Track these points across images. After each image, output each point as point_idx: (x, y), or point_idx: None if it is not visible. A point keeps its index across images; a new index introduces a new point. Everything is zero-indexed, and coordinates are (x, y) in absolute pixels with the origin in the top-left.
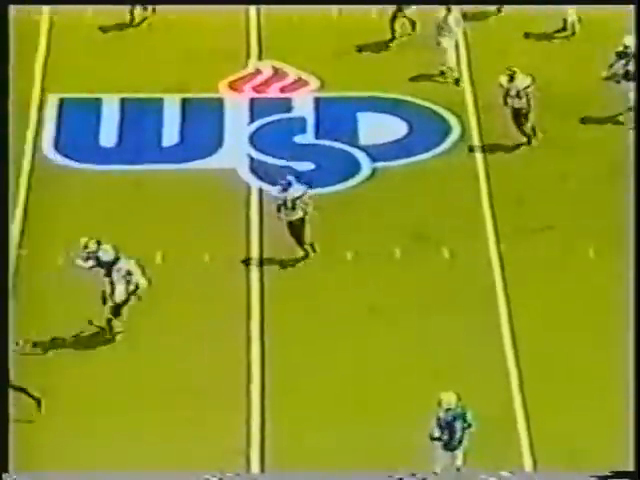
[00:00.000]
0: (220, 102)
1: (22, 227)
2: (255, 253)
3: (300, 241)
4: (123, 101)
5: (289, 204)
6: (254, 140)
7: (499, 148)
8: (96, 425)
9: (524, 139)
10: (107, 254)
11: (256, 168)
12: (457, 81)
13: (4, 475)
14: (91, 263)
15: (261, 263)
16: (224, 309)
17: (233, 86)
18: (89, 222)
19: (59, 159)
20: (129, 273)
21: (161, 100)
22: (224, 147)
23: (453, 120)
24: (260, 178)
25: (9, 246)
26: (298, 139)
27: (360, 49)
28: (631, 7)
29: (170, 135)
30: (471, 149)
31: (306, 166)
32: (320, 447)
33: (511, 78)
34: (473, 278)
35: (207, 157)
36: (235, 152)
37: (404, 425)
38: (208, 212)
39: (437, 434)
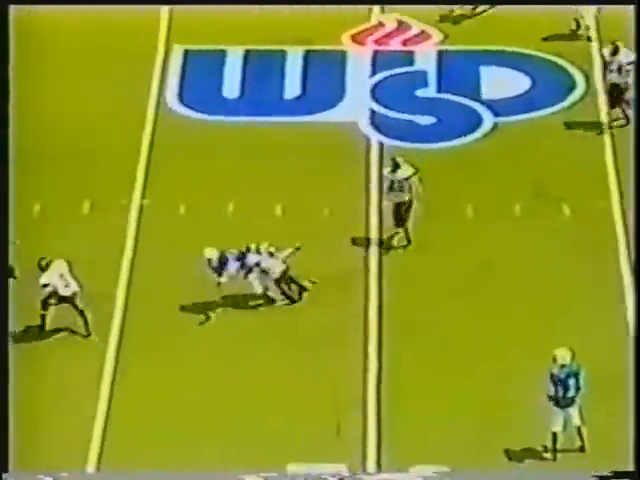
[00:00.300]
0: (342, 55)
1: (145, 177)
2: (374, 206)
3: (401, 224)
4: (247, 53)
5: (396, 185)
6: (376, 93)
7: None
8: None
9: None
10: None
11: (377, 121)
12: (589, 38)
13: (4, 475)
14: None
15: (380, 217)
16: (344, 262)
17: (356, 39)
18: (210, 173)
19: (182, 110)
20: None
21: (284, 52)
22: (345, 100)
23: (578, 76)
24: (380, 131)
25: (9, 245)
26: (420, 93)
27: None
28: (631, 7)
29: (292, 87)
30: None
31: (427, 120)
32: (438, 404)
33: (615, 51)
34: (594, 236)
35: (328, 110)
36: (356, 105)
37: (519, 382)
38: (328, 165)
39: (551, 392)
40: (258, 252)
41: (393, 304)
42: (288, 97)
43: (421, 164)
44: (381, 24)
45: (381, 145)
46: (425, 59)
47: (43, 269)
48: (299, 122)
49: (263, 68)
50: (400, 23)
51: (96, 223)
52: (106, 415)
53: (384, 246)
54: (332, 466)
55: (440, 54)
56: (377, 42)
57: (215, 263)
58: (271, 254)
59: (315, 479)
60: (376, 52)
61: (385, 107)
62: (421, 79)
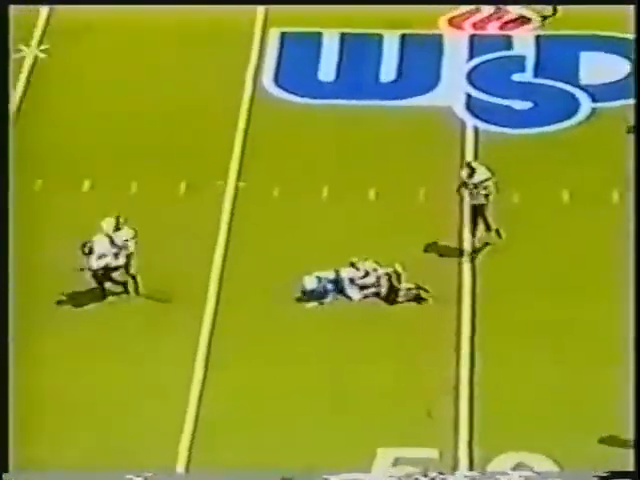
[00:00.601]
0: (439, 39)
1: (240, 159)
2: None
3: (485, 226)
4: (343, 36)
5: (472, 188)
6: (472, 78)
7: None
8: None
9: None
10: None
11: (473, 106)
12: None
13: (4, 475)
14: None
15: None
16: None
17: (453, 23)
18: (305, 156)
19: (278, 93)
20: None
21: (381, 36)
22: (441, 84)
23: None
24: (476, 116)
25: (9, 245)
26: (517, 77)
27: None
28: (631, 7)
29: (388, 71)
30: None
31: (524, 105)
32: (530, 389)
33: None
34: None
35: (424, 94)
36: (452, 89)
37: (611, 372)
38: (422, 150)
39: None
40: (357, 268)
41: (487, 289)
42: (384, 81)
43: (517, 149)
44: (478, 8)
45: (476, 130)
46: (523, 44)
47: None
48: (394, 106)
49: (359, 52)
50: (498, 8)
51: (192, 204)
52: (196, 412)
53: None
54: (423, 450)
55: (538, 39)
56: (474, 26)
57: (315, 293)
58: (366, 273)
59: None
60: (473, 36)
61: (481, 91)
62: (518, 64)
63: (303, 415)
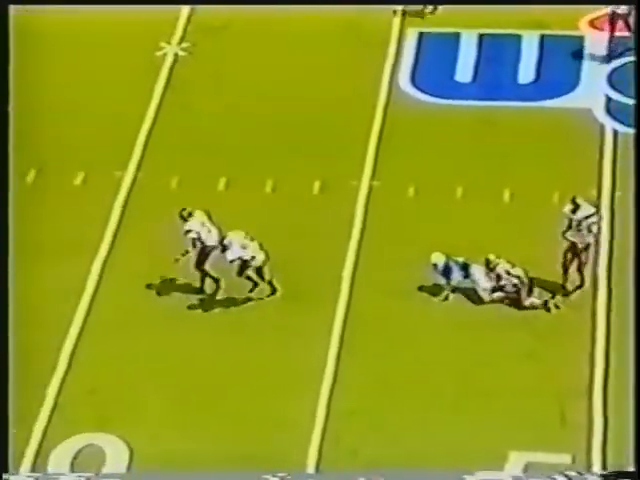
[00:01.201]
0: (579, 40)
1: (375, 158)
2: (605, 197)
3: (578, 268)
4: (481, 36)
5: (574, 224)
6: (612, 80)
7: None
8: None
9: None
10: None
11: (612, 109)
12: None
13: (4, 475)
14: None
15: (612, 202)
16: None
17: (594, 24)
18: (440, 156)
19: (414, 92)
20: None
21: (519, 36)
22: (580, 86)
23: None
24: (616, 119)
25: (9, 245)
26: None
27: None
28: (631, 7)
29: (526, 72)
30: None
31: None
32: None
33: None
34: None
35: (562, 96)
36: (592, 92)
37: None
38: (560, 152)
39: None
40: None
41: (622, 290)
42: (522, 82)
43: None
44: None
45: (615, 133)
46: None
47: (185, 219)
48: (532, 107)
49: (497, 52)
50: None
51: (326, 203)
52: (327, 410)
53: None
54: (555, 456)
55: None
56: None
57: (440, 269)
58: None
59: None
60: (614, 38)
61: (622, 94)
62: None
63: (434, 415)
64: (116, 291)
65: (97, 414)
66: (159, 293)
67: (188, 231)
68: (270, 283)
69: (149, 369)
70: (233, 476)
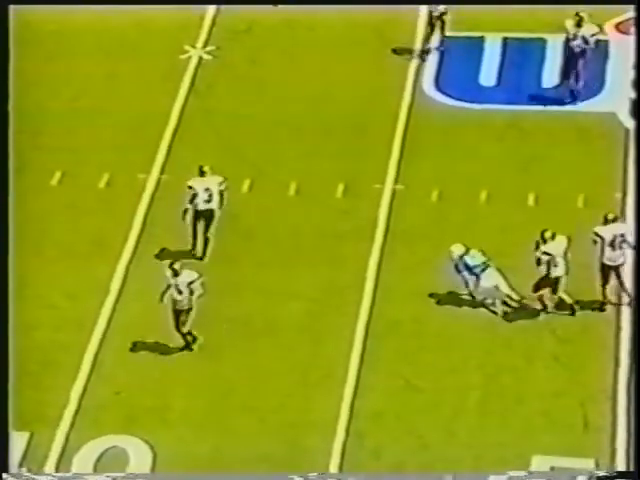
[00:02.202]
0: (605, 44)
1: (398, 162)
2: (630, 201)
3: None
4: (505, 40)
5: (607, 243)
6: (638, 84)
7: None
8: None
9: None
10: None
11: (638, 113)
12: None
13: (4, 475)
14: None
15: (638, 215)
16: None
17: (620, 28)
18: (464, 160)
19: (438, 96)
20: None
21: (544, 40)
22: (605, 90)
23: None
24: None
25: (9, 245)
26: None
27: None
28: (631, 7)
29: (551, 76)
30: None
31: None
32: None
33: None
34: None
35: (587, 100)
36: (617, 95)
37: None
38: (584, 156)
39: None
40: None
41: None
42: (546, 86)
43: None
44: None
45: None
46: None
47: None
48: (557, 111)
49: (521, 56)
50: None
51: (349, 206)
52: (350, 405)
53: None
54: (579, 460)
55: None
56: None
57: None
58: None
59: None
60: None
61: None
62: None
63: (457, 418)
64: (141, 292)
65: (121, 416)
66: None
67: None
68: None
69: (173, 371)
70: (258, 477)
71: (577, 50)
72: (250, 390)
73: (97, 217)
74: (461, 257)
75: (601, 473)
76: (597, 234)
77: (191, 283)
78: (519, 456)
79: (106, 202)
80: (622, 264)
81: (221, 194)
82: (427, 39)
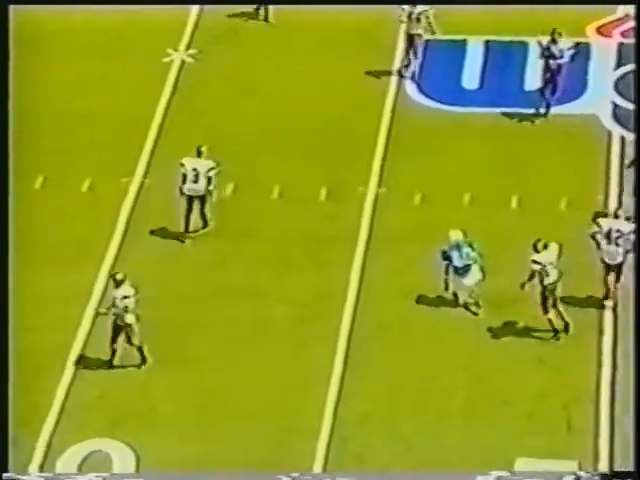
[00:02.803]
0: (586, 47)
1: (382, 165)
2: (613, 202)
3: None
4: (488, 43)
5: (604, 235)
6: (619, 86)
7: None
8: None
9: None
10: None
11: (619, 115)
12: None
13: (4, 475)
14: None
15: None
16: (581, 254)
17: (601, 31)
18: (447, 163)
19: (421, 99)
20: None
21: (526, 44)
22: (587, 92)
23: None
24: (622, 125)
25: (9, 246)
26: None
27: None
28: (631, 7)
29: (532, 79)
30: None
31: None
32: None
33: None
34: None
35: (569, 102)
36: (599, 98)
37: None
38: (567, 158)
39: None
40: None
41: (628, 296)
42: (528, 89)
43: None
44: (628, 16)
45: (623, 139)
46: None
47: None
48: (540, 114)
49: (504, 59)
50: None
51: (332, 210)
52: (334, 409)
53: None
54: (562, 462)
55: None
56: (623, 34)
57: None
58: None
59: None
60: (621, 45)
61: (629, 100)
62: None
63: (442, 421)
64: None
65: (105, 420)
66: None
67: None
68: None
69: (158, 375)
70: (245, 476)
71: (554, 67)
72: (234, 394)
73: (80, 222)
74: (455, 248)
75: (602, 473)
76: (596, 222)
77: (125, 298)
78: (503, 458)
79: (89, 206)
80: (621, 264)
81: (209, 179)
82: (406, 54)
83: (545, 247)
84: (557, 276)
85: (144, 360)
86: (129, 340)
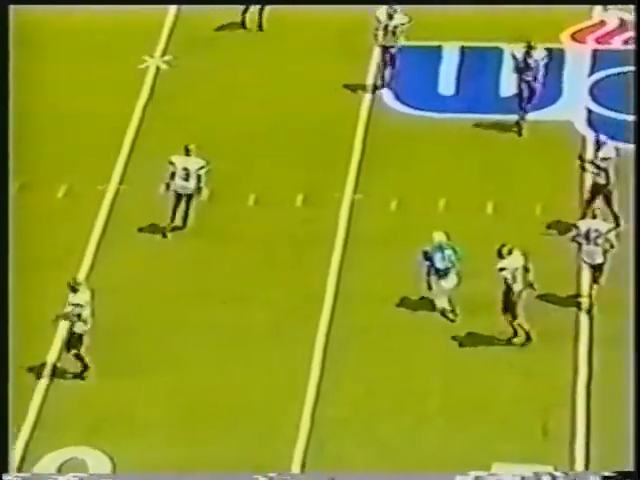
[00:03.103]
0: (560, 53)
1: (358, 172)
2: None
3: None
4: (463, 49)
5: (592, 238)
6: (594, 92)
7: None
8: None
9: None
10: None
11: (594, 121)
12: None
13: (4, 475)
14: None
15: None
16: (557, 257)
17: (576, 37)
18: (423, 169)
19: (397, 106)
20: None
21: (501, 50)
22: (562, 99)
23: None
24: (597, 131)
25: (9, 246)
26: None
27: None
28: (631, 7)
29: (507, 85)
30: None
31: None
32: None
33: None
34: None
35: (544, 108)
36: (573, 104)
37: None
38: (542, 164)
39: None
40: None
41: (605, 303)
42: (504, 95)
43: None
44: (603, 22)
45: (598, 145)
46: None
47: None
48: (514, 120)
49: (479, 65)
50: (622, 22)
51: (309, 216)
52: (312, 412)
53: None
54: (538, 467)
55: None
56: (598, 40)
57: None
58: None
59: None
60: (595, 51)
61: (603, 107)
62: None
63: (417, 427)
64: (98, 303)
65: (82, 427)
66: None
67: None
68: None
69: (136, 381)
70: (222, 477)
71: (529, 78)
72: (212, 397)
73: (55, 228)
74: (438, 249)
75: (606, 473)
76: (574, 225)
77: (77, 306)
78: (479, 464)
79: (65, 213)
80: (602, 264)
81: (198, 177)
82: (383, 67)
83: (510, 253)
84: (524, 282)
85: (86, 367)
86: (69, 346)
